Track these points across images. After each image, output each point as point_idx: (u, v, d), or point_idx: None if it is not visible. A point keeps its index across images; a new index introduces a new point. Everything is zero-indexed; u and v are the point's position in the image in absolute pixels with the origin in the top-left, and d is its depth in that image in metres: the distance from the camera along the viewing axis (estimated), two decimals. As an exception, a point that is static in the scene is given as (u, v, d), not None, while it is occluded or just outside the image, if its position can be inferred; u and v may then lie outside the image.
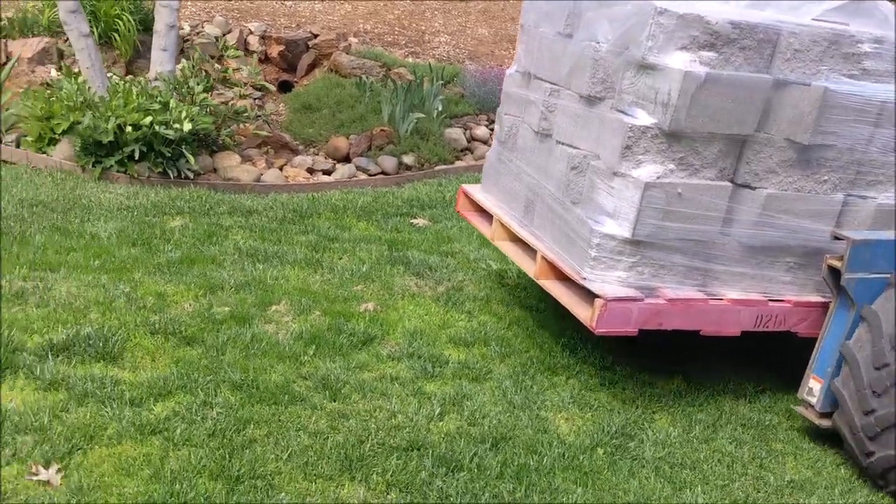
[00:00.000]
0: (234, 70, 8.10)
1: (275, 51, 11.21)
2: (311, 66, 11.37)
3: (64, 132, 6.66)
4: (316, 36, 11.83)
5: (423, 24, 13.92)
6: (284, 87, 9.83)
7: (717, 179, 3.72)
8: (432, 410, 3.68)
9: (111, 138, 6.48)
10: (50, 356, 3.75)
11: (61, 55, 9.11)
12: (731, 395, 4.22)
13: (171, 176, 6.74)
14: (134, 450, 3.18)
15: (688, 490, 3.34)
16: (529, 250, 4.24)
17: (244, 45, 11.18)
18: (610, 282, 3.71)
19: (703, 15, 3.54)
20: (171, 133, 6.58)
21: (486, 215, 4.75)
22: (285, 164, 7.93)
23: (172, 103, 6.72)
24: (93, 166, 6.58)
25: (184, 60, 7.99)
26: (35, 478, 2.95)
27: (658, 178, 3.60)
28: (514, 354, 4.31)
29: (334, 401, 3.69)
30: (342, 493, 3.08)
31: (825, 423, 3.75)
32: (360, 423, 3.53)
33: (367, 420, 3.56)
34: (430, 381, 3.98)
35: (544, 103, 4.28)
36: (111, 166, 6.61)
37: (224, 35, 11.12)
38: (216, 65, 9.04)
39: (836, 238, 3.77)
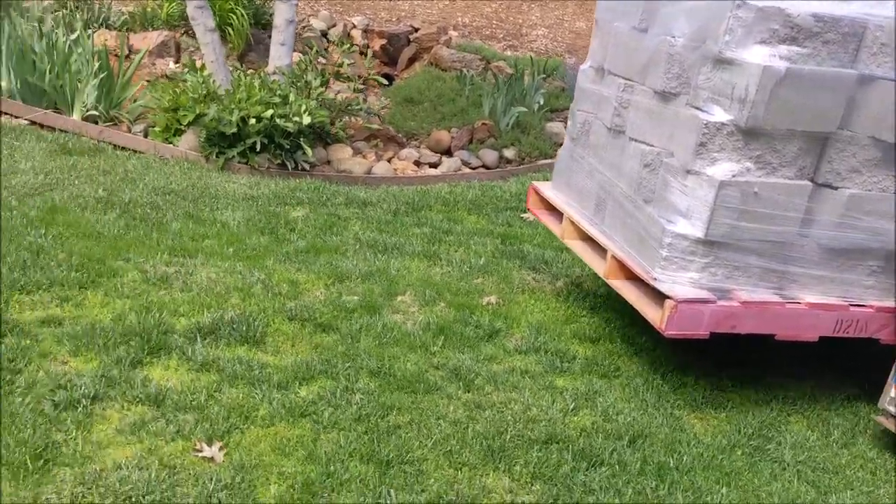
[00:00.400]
0: (346, 64, 8.25)
1: (377, 44, 11.38)
2: (412, 60, 11.51)
3: (189, 124, 6.91)
4: (417, 30, 11.95)
5: (520, 17, 13.91)
6: (385, 79, 9.95)
7: (797, 178, 3.62)
8: (566, 405, 3.72)
9: (234, 130, 6.71)
10: (198, 338, 3.92)
11: (178, 48, 9.45)
12: (866, 400, 4.12)
13: (289, 167, 6.93)
14: (287, 431, 3.31)
15: (833, 495, 3.30)
16: (600, 249, 4.18)
17: (347, 39, 11.39)
18: (681, 283, 3.64)
19: (783, 8, 3.44)
20: (290, 126, 6.77)
21: (557, 213, 4.71)
22: (393, 157, 8.05)
23: (292, 97, 6.91)
24: (216, 157, 6.82)
25: (299, 55, 8.19)
26: (199, 454, 3.10)
27: (733, 176, 3.52)
28: (643, 352, 4.31)
29: (468, 391, 3.76)
30: (487, 482, 3.14)
31: None
32: (497, 413, 3.59)
33: (503, 411, 3.61)
34: (560, 375, 4.01)
35: (618, 99, 4.23)
36: (233, 157, 6.84)
37: (329, 29, 11.35)
38: (329, 59, 9.22)
39: None
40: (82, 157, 6.36)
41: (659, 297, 3.60)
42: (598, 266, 4.11)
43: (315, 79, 7.35)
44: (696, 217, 3.58)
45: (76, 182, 5.74)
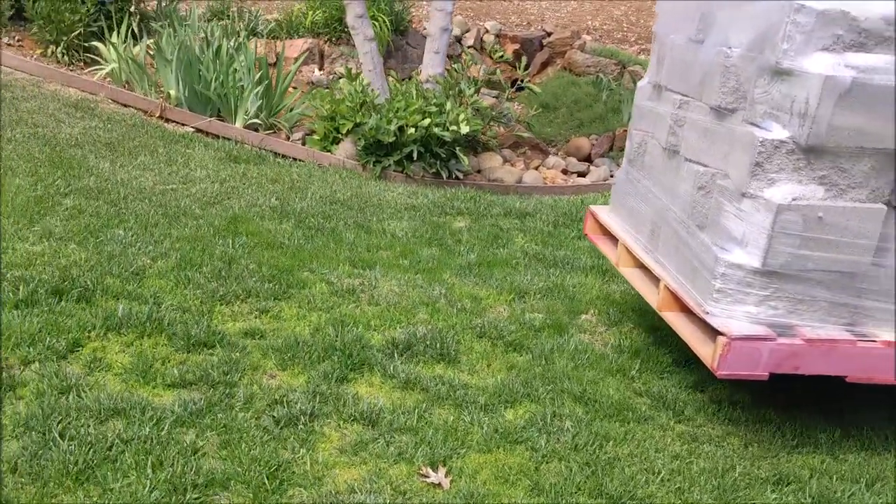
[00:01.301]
0: (499, 72, 8.18)
1: (510, 49, 11.28)
2: (544, 65, 11.36)
3: (348, 132, 6.96)
4: (549, 34, 11.79)
5: (651, 19, 13.57)
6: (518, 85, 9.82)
7: (869, 201, 3.25)
8: (786, 441, 3.51)
9: (392, 139, 6.72)
10: (395, 354, 3.89)
11: (322, 56, 9.58)
12: None
13: (444, 176, 6.90)
14: (506, 458, 3.22)
15: None
16: (654, 279, 3.86)
17: (480, 44, 11.35)
18: (737, 317, 3.31)
19: (848, 10, 3.08)
20: (447, 135, 6.73)
21: (613, 239, 4.38)
22: (540, 165, 7.93)
23: (448, 105, 6.88)
24: (373, 165, 6.84)
25: (450, 64, 8.16)
26: (426, 479, 3.05)
27: (794, 199, 3.19)
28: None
29: (679, 422, 3.60)
30: (724, 524, 2.98)
31: None
32: (716, 448, 3.41)
33: (723, 445, 3.44)
34: (773, 407, 3.80)
35: (673, 116, 3.91)
36: (389, 165, 6.85)
37: (463, 34, 11.33)
38: (481, 66, 9.18)
39: None
40: (248, 165, 6.48)
41: (713, 333, 3.31)
42: (652, 297, 3.83)
43: (468, 87, 7.29)
44: (752, 245, 3.28)
45: (249, 191, 5.84)
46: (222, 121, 7.17)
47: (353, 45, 9.18)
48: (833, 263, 3.27)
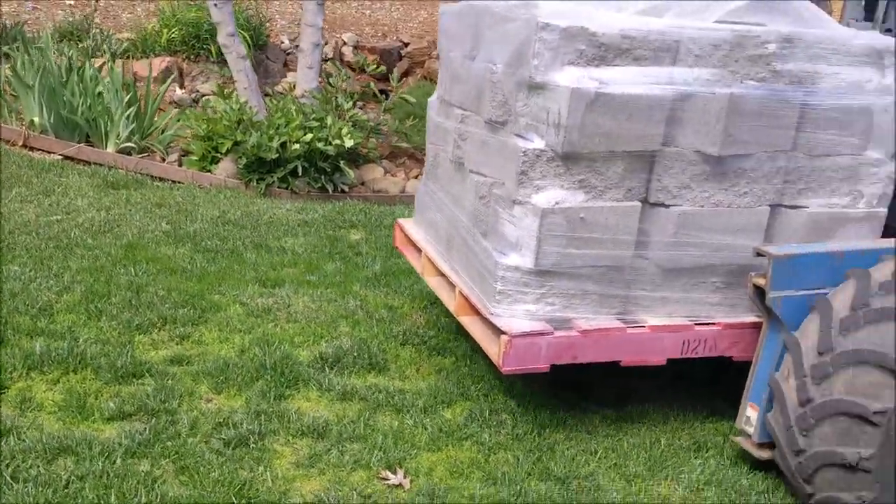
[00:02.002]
0: (372, 85, 8.38)
1: (370, 61, 11.51)
2: (405, 74, 11.65)
3: (227, 151, 6.95)
4: (407, 44, 12.12)
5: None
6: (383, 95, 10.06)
7: (626, 200, 3.52)
8: (700, 412, 3.93)
9: (275, 155, 6.78)
10: (326, 368, 4.03)
11: (181, 74, 9.43)
12: None
13: (329, 190, 7.03)
14: (456, 454, 3.45)
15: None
16: (452, 286, 4.03)
17: (339, 56, 11.49)
18: (519, 315, 3.53)
19: (587, 27, 3.34)
20: (331, 149, 6.87)
21: (419, 249, 4.54)
22: (419, 174, 8.20)
23: (329, 120, 7.02)
24: (257, 183, 6.88)
25: (322, 77, 8.27)
26: (387, 482, 3.22)
27: (556, 203, 3.42)
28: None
29: (604, 407, 3.96)
30: (661, 490, 3.35)
31: (764, 454, 3.45)
32: (640, 425, 3.79)
33: (645, 423, 3.82)
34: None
35: (457, 130, 4.10)
36: (273, 182, 6.91)
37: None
38: (351, 79, 9.31)
39: (759, 254, 3.52)
40: (128, 190, 6.36)
41: (498, 332, 3.51)
42: (451, 303, 4.02)
43: (346, 101, 7.46)
44: (525, 248, 3.50)
45: (137, 217, 5.76)
46: (92, 146, 6.96)
47: (213, 63, 9.11)
48: (599, 259, 3.54)
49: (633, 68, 3.41)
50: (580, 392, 4.01)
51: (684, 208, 3.57)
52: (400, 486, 3.22)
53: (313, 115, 7.09)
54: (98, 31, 9.16)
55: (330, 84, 7.87)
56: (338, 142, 6.89)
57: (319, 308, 4.68)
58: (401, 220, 4.84)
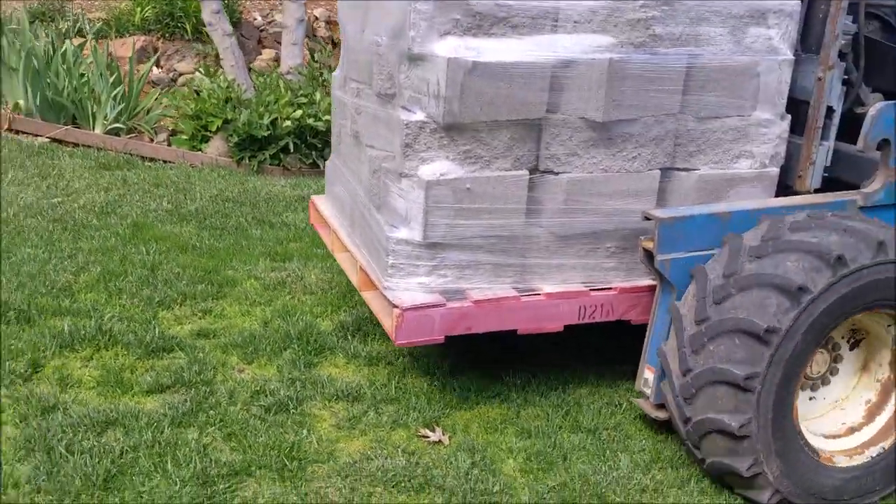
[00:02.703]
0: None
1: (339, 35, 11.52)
2: (377, 49, 11.67)
3: (217, 129, 6.98)
4: (378, 19, 12.12)
5: None
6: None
7: (514, 169, 3.50)
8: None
9: (266, 133, 6.83)
10: (349, 336, 4.15)
11: (157, 53, 9.36)
12: None
13: (321, 166, 7.09)
14: (488, 412, 3.60)
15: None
16: (356, 261, 4.01)
17: (312, 32, 11.47)
18: (412, 288, 3.53)
19: None
20: (321, 125, 6.93)
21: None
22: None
23: (318, 96, 7.07)
24: (248, 160, 6.92)
25: (307, 53, 8.29)
26: (427, 439, 3.37)
27: (441, 175, 3.41)
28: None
29: (624, 363, 4.14)
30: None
31: (661, 414, 3.49)
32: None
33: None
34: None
35: (353, 105, 4.09)
36: (265, 160, 6.96)
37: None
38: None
39: (647, 218, 3.53)
40: (122, 171, 6.37)
41: (392, 306, 3.49)
42: (353, 278, 4.01)
43: (331, 76, 7.50)
44: (414, 221, 3.48)
45: (136, 197, 5.78)
46: (79, 128, 6.93)
47: (188, 41, 9.05)
48: (490, 229, 3.52)
49: (511, 36, 3.38)
50: (599, 352, 4.18)
51: (573, 175, 3.55)
52: (440, 442, 3.36)
53: (301, 92, 7.13)
54: (70, 12, 9.06)
55: (314, 60, 7.90)
56: (327, 117, 6.95)
57: (332, 279, 4.78)
58: (314, 197, 4.79)
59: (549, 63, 3.38)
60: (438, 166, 3.43)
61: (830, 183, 3.91)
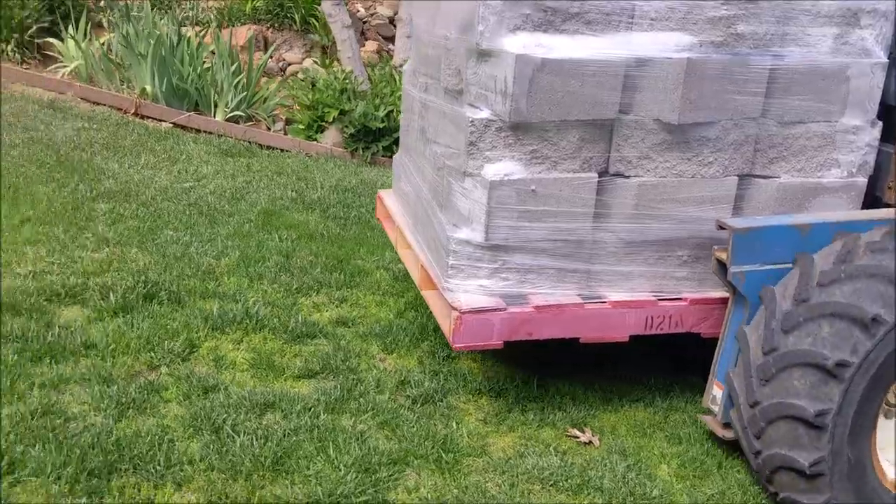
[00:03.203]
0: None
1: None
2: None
3: (333, 120, 7.08)
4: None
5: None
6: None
7: (582, 171, 3.38)
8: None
9: (381, 125, 6.90)
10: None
11: (266, 43, 9.54)
12: None
13: (433, 159, 7.14)
14: (634, 415, 3.58)
15: None
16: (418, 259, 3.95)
17: (413, 25, 11.53)
18: (472, 290, 3.43)
19: None
20: (435, 118, 6.96)
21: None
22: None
23: (433, 89, 7.10)
24: (362, 151, 7.00)
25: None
26: (578, 439, 3.36)
27: (506, 175, 3.30)
28: None
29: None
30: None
31: (728, 434, 3.32)
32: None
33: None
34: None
35: (421, 99, 4.02)
36: (378, 151, 7.04)
37: (394, 14, 11.50)
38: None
39: (720, 227, 3.36)
40: (244, 158, 6.52)
41: (451, 308, 3.40)
42: (415, 275, 3.94)
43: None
44: (476, 221, 3.38)
45: (262, 184, 5.91)
46: (200, 114, 7.12)
47: (296, 32, 9.18)
48: (555, 233, 3.40)
49: (584, 33, 3.26)
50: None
51: (645, 179, 3.41)
52: (590, 443, 3.36)
53: (416, 85, 7.17)
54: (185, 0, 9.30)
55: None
56: (443, 111, 6.98)
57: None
58: (381, 192, 4.74)
59: (623, 61, 3.27)
60: (503, 166, 3.33)
61: None
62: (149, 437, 3.01)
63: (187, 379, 3.42)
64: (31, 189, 5.04)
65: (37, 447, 2.87)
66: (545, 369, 3.83)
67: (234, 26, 9.28)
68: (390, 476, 3.01)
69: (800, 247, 3.25)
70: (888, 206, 3.65)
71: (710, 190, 3.49)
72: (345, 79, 7.09)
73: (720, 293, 3.54)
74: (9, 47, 7.39)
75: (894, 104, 3.60)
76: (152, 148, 6.25)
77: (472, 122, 3.30)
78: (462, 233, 3.43)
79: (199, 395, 3.33)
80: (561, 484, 3.07)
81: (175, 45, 7.11)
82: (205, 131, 6.96)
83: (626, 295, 3.53)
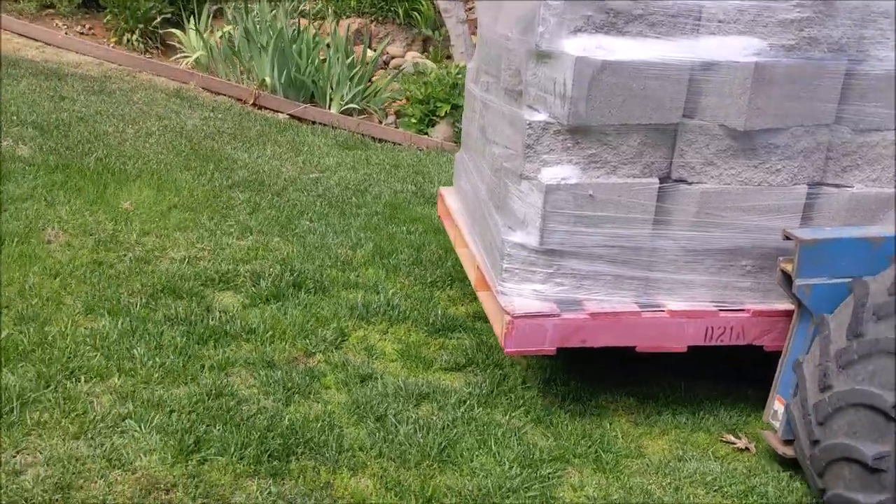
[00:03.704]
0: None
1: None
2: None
3: (445, 114, 7.14)
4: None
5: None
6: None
7: (644, 176, 3.32)
8: None
9: (494, 120, 6.92)
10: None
11: (370, 36, 9.65)
12: None
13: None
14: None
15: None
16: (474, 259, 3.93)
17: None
18: (525, 295, 3.39)
19: None
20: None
21: None
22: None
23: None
24: (473, 147, 7.04)
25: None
26: (734, 445, 3.36)
27: (563, 179, 3.25)
28: None
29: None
30: None
31: (788, 451, 3.23)
32: None
33: None
34: None
35: (482, 98, 3.99)
36: (488, 147, 7.06)
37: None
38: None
39: (787, 237, 3.25)
40: (360, 150, 6.65)
41: (504, 311, 3.37)
42: (472, 276, 3.89)
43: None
44: (531, 225, 3.34)
45: (381, 177, 6.03)
46: (316, 106, 7.25)
47: (399, 25, 9.24)
48: (612, 239, 3.34)
49: (648, 35, 3.18)
50: None
51: (709, 186, 3.34)
52: (747, 449, 3.34)
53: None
54: None
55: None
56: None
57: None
58: (442, 189, 4.71)
59: (688, 64, 3.19)
60: (560, 170, 3.27)
61: None
62: (318, 423, 3.12)
63: (343, 367, 3.53)
64: (172, 176, 5.24)
65: (217, 427, 2.98)
66: (690, 374, 3.81)
67: (340, 18, 9.44)
68: (554, 473, 3.07)
69: (870, 261, 3.12)
70: None
71: (777, 199, 3.40)
72: (458, 73, 7.13)
73: (784, 305, 3.45)
74: (133, 37, 7.64)
75: None
76: (275, 139, 6.42)
77: (529, 124, 3.27)
78: (517, 236, 3.40)
79: (356, 384, 3.45)
80: (725, 489, 3.08)
81: (294, 37, 7.25)
82: (320, 123, 7.13)
83: (685, 304, 3.47)
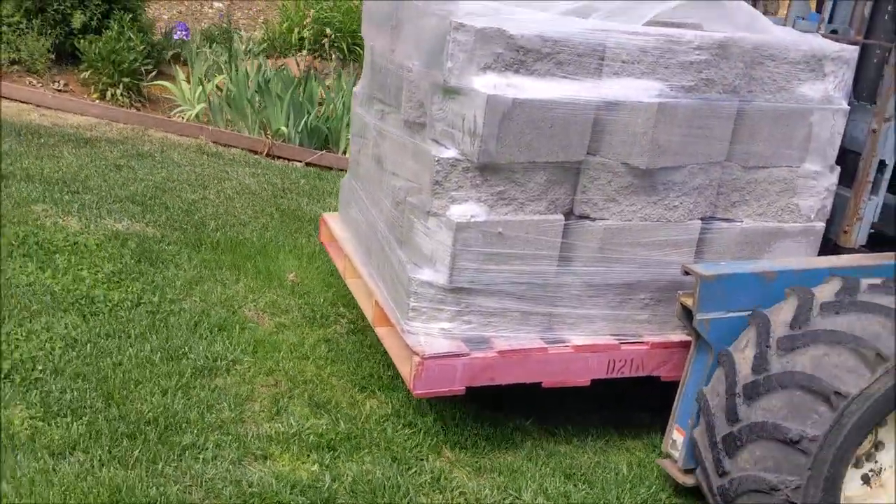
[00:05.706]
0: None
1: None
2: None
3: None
4: None
5: None
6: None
7: (549, 213, 3.38)
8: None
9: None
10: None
11: (315, 73, 9.08)
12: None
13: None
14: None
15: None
16: (371, 293, 3.88)
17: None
18: (433, 334, 3.40)
19: (505, 29, 3.16)
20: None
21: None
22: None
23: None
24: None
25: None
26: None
27: (472, 217, 3.28)
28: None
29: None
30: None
31: (689, 480, 3.36)
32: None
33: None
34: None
35: (377, 127, 3.93)
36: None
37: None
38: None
39: (686, 273, 3.35)
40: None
41: (412, 352, 3.37)
42: (368, 311, 3.86)
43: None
44: (440, 263, 3.34)
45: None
46: (331, 152, 7.79)
47: (342, 60, 9.34)
48: (520, 276, 3.41)
49: (555, 74, 3.24)
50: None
51: (610, 222, 3.44)
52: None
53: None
54: (239, 34, 9.28)
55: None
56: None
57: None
58: (326, 215, 4.66)
59: (594, 104, 3.28)
60: (469, 207, 3.30)
61: (873, 238, 3.78)
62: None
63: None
64: (292, 241, 5.39)
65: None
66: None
67: (285, 57, 9.25)
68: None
69: (765, 294, 3.34)
70: (842, 249, 3.80)
71: (674, 233, 3.57)
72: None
73: (680, 336, 3.65)
74: (118, 91, 7.81)
75: (849, 149, 3.75)
76: (328, 190, 6.71)
77: (437, 160, 3.27)
78: (424, 274, 3.41)
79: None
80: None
81: (303, 85, 7.81)
82: (336, 168, 7.57)
83: (588, 338, 3.60)
